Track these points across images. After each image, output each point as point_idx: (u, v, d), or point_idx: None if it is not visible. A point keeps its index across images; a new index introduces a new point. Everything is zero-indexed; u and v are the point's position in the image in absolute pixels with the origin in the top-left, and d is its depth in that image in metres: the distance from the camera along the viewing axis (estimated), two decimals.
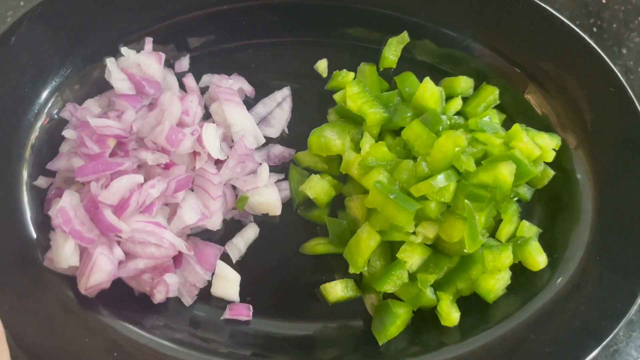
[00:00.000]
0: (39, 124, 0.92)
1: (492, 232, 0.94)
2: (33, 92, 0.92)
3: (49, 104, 0.94)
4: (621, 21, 1.13)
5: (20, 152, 0.89)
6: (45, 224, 0.86)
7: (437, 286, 0.89)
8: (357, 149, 0.93)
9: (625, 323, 0.90)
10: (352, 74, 1.03)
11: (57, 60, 0.94)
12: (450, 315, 0.86)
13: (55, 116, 0.94)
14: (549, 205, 0.97)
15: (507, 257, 0.87)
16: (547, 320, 0.87)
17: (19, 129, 0.90)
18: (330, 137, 0.94)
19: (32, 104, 0.92)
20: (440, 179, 0.84)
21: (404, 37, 1.05)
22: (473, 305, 0.90)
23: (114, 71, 0.92)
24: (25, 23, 0.90)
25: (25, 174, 0.89)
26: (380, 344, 0.86)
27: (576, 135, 0.98)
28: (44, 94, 0.93)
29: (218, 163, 0.92)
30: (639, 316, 0.93)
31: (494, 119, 0.97)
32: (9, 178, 0.87)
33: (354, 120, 0.98)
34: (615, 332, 0.82)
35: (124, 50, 0.94)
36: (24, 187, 0.88)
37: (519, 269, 0.92)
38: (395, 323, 0.85)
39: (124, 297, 0.85)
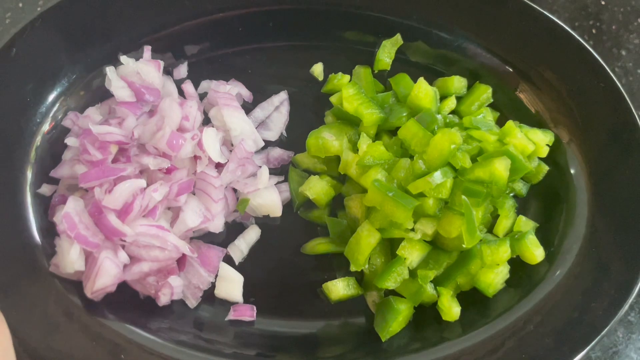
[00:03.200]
0: (41, 133, 0.94)
1: (490, 228, 0.96)
2: (35, 102, 0.93)
3: (51, 113, 0.95)
4: (620, 23, 1.14)
5: (24, 161, 0.90)
6: (49, 231, 0.87)
7: (437, 282, 0.90)
8: (355, 150, 0.95)
9: (625, 325, 0.93)
10: (347, 77, 1.04)
11: (58, 70, 0.96)
12: (451, 310, 0.88)
13: (58, 125, 0.95)
14: (544, 200, 0.99)
15: (504, 251, 0.89)
16: (546, 312, 0.88)
17: (22, 138, 0.91)
18: (328, 139, 0.96)
19: (35, 113, 0.93)
20: (437, 176, 0.85)
21: (397, 39, 1.07)
22: (473, 300, 0.91)
23: (113, 79, 0.93)
24: (26, 34, 0.91)
25: (28, 182, 0.90)
26: (383, 341, 0.87)
27: (568, 130, 1.00)
28: (46, 104, 0.95)
29: (219, 167, 0.93)
30: (638, 318, 0.94)
31: (488, 116, 0.99)
32: (13, 186, 0.88)
33: (351, 122, 0.99)
34: (613, 321, 0.83)
35: (123, 58, 0.96)
36: (28, 195, 0.89)
37: (517, 263, 0.93)
38: (397, 319, 0.86)
39: (129, 300, 0.86)
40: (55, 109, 0.96)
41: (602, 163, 0.97)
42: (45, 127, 0.94)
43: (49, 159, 0.93)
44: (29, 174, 0.91)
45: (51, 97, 0.95)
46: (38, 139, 0.93)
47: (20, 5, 1.08)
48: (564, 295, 0.89)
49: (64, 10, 0.94)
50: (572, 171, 0.99)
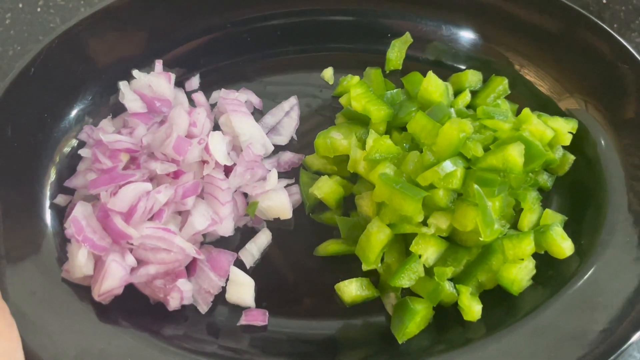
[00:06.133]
0: (61, 148, 0.97)
1: (515, 224, 0.90)
2: (54, 119, 0.97)
3: (71, 129, 0.98)
4: (622, 21, 1.12)
5: (43, 174, 0.93)
6: (66, 241, 0.89)
7: (457, 280, 0.86)
8: (364, 147, 0.93)
9: None
10: (357, 78, 1.03)
11: (77, 89, 1.00)
12: (472, 308, 0.82)
13: (75, 140, 0.98)
14: (573, 192, 0.94)
15: (528, 244, 0.83)
16: (579, 310, 0.82)
17: (42, 153, 0.94)
18: (336, 138, 0.95)
19: (54, 129, 0.97)
20: (446, 165, 0.81)
21: (407, 37, 1.06)
22: (498, 299, 0.86)
23: (127, 93, 0.96)
24: (44, 55, 0.96)
25: (47, 195, 0.93)
26: (399, 343, 0.83)
27: (597, 117, 0.95)
28: (66, 120, 0.98)
29: (229, 173, 0.93)
30: None
31: (504, 107, 0.95)
32: (32, 198, 0.91)
33: (361, 121, 0.98)
34: None
35: (135, 72, 0.99)
36: (47, 207, 0.92)
37: (546, 260, 0.87)
38: (414, 320, 0.82)
39: (141, 307, 0.86)
40: (74, 125, 0.99)
41: (636, 149, 0.90)
42: (65, 142, 0.97)
43: (68, 172, 0.95)
44: (49, 187, 0.93)
45: (71, 114, 0.99)
46: (57, 154, 0.96)
47: (20, 5, 1.11)
48: (598, 290, 0.82)
49: (79, 32, 0.99)
50: (602, 161, 0.93)
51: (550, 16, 0.99)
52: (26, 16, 1.13)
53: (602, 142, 0.94)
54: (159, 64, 1.01)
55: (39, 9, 1.11)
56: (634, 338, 0.76)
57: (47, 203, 0.92)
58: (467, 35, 1.05)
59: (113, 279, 0.80)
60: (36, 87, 0.95)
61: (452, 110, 0.93)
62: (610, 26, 1.07)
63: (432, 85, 0.94)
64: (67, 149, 0.97)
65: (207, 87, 1.05)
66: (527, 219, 0.89)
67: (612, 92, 0.95)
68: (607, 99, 0.95)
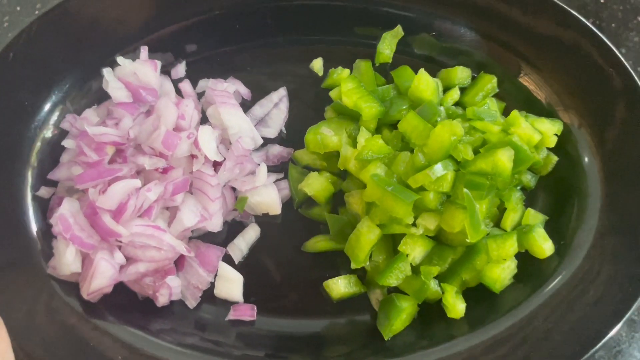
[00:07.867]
0: (42, 137, 0.94)
1: (497, 222, 0.93)
2: (34, 106, 0.94)
3: (51, 117, 0.95)
4: (620, 21, 1.12)
5: (24, 164, 0.91)
6: (49, 234, 0.87)
7: (442, 278, 0.88)
8: (354, 144, 0.93)
9: (628, 324, 0.89)
10: (347, 71, 1.02)
11: (57, 74, 0.96)
12: (456, 306, 0.85)
13: (56, 128, 0.95)
14: (555, 192, 0.96)
15: (511, 246, 0.86)
16: (557, 307, 0.85)
17: (22, 142, 0.92)
18: (326, 134, 0.94)
19: (34, 117, 0.94)
20: (437, 169, 0.83)
21: (398, 31, 1.05)
22: (480, 296, 0.88)
23: (111, 80, 0.93)
24: (23, 39, 0.92)
25: (29, 186, 0.90)
26: (385, 339, 0.85)
27: (579, 119, 0.97)
28: (46, 108, 0.95)
29: (217, 166, 0.92)
30: None
31: (492, 107, 0.96)
32: (12, 190, 0.89)
33: (351, 117, 0.97)
34: (627, 316, 0.80)
35: (120, 59, 0.95)
36: (28, 199, 0.89)
37: (526, 258, 0.90)
38: (400, 317, 0.84)
39: (129, 302, 0.86)
40: (55, 112, 0.96)
41: (615, 152, 0.93)
42: (45, 130, 0.94)
43: (50, 162, 0.93)
44: (30, 178, 0.91)
45: (51, 101, 0.95)
46: (38, 143, 0.93)
47: (18, 8, 1.09)
48: (575, 289, 0.86)
49: (60, 14, 0.95)
50: (583, 162, 0.95)
51: (548, 21, 0.99)
52: (24, 19, 1.10)
53: (584, 144, 0.96)
54: (144, 51, 0.98)
55: (36, 12, 1.09)
56: (609, 335, 0.80)
57: (30, 195, 0.89)
58: (458, 30, 1.04)
59: (102, 277, 0.79)
60: (15, 73, 0.91)
61: (442, 109, 0.93)
62: (608, 26, 1.07)
63: (423, 84, 0.94)
64: (48, 138, 0.94)
65: (193, 75, 1.02)
66: (510, 218, 0.92)
67: (594, 95, 0.96)
68: (591, 101, 0.97)
